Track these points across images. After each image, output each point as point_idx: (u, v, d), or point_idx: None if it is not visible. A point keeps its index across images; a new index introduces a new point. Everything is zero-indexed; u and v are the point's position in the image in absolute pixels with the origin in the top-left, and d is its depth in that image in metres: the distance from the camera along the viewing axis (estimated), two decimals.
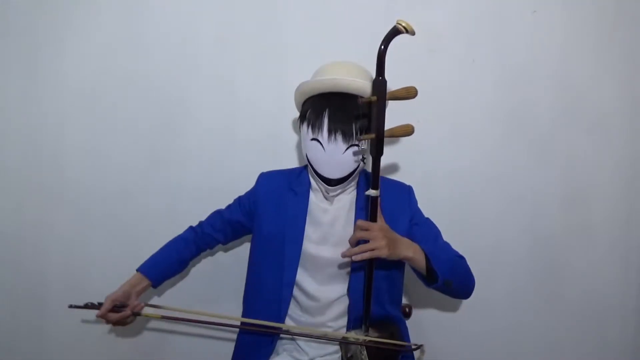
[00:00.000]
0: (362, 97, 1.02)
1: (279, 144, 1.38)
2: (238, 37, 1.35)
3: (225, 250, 1.41)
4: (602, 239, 1.43)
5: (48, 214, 1.36)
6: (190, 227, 1.25)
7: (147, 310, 1.10)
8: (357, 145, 1.03)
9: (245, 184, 1.21)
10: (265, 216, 1.14)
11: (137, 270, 1.15)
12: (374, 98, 0.86)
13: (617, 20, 1.39)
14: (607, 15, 1.39)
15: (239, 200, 1.22)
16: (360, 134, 1.02)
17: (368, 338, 1.01)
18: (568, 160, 1.41)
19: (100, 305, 1.06)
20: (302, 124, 1.08)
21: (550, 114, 1.40)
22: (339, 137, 1.01)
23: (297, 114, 1.35)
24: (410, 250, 0.98)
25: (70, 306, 1.07)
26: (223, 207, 1.24)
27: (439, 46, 1.36)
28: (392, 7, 1.34)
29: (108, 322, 1.07)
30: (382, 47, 0.85)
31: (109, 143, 1.36)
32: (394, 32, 0.83)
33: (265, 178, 1.20)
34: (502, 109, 1.39)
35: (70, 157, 1.36)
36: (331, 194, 1.10)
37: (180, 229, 1.35)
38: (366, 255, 0.91)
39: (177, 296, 1.39)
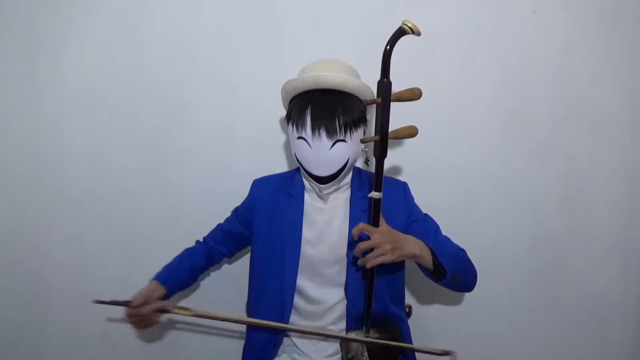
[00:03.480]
0: (364, 99, 1.04)
1: (279, 144, 1.38)
2: (238, 37, 1.35)
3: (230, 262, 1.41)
4: (603, 239, 1.43)
5: (48, 214, 1.36)
6: (198, 241, 1.26)
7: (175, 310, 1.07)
8: (344, 140, 1.01)
9: (245, 184, 1.21)
10: (262, 222, 1.14)
11: (153, 279, 1.14)
12: (379, 100, 0.84)
13: (617, 20, 1.39)
14: (607, 15, 1.38)
15: (236, 212, 1.22)
16: (346, 130, 1.01)
17: (368, 340, 1.00)
18: (568, 160, 1.41)
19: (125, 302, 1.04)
20: (288, 123, 1.07)
21: (550, 114, 1.40)
22: (323, 134, 1.00)
23: None
24: (417, 248, 0.97)
25: (96, 301, 1.03)
26: (222, 206, 1.24)
27: (439, 46, 1.36)
28: (392, 7, 1.34)
29: (138, 317, 1.05)
30: (388, 47, 0.83)
31: (109, 143, 1.36)
32: (400, 33, 0.82)
33: (259, 184, 1.20)
34: (502, 109, 1.39)
35: (70, 157, 1.36)
36: (325, 192, 1.09)
37: (180, 229, 1.35)
38: (375, 262, 0.90)
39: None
